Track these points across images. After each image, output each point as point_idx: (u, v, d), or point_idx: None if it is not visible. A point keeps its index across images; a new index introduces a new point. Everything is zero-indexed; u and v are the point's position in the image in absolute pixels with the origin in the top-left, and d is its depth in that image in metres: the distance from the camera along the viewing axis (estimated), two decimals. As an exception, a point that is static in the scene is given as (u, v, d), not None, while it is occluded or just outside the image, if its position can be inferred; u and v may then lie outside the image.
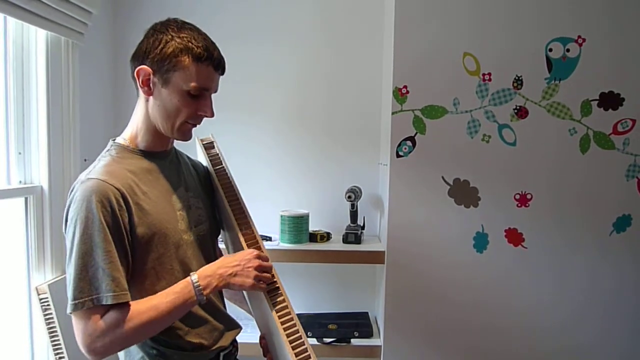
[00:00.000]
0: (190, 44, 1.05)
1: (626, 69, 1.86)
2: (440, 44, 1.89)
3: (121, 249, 1.00)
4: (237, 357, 1.29)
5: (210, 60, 1.07)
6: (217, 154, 1.31)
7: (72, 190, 1.02)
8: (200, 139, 1.34)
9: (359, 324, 2.11)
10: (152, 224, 1.05)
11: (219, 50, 1.10)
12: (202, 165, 1.35)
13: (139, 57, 1.07)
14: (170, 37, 1.05)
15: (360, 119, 2.27)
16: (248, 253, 1.10)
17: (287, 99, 2.28)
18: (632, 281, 1.92)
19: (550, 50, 1.87)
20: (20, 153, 1.67)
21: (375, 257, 2.01)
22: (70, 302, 0.96)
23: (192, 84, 1.05)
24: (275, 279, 1.13)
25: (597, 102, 1.88)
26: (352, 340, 2.04)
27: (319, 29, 2.26)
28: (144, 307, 1.00)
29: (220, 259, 1.11)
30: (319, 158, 2.29)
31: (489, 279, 1.95)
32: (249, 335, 2.07)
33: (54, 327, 1.61)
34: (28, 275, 1.68)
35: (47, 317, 1.61)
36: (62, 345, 1.61)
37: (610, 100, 1.87)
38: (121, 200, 1.00)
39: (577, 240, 1.92)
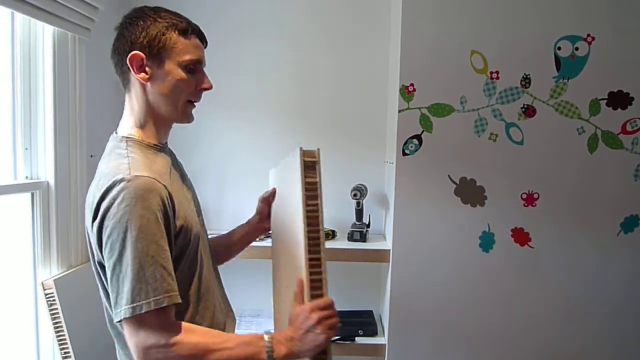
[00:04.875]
0: (172, 20, 1.07)
1: (636, 68, 1.84)
2: (448, 41, 1.88)
3: (170, 249, 0.99)
4: None
5: (195, 33, 1.10)
6: (316, 182, 1.05)
7: (110, 188, 0.95)
8: (303, 150, 1.08)
9: (364, 322, 2.11)
10: (184, 217, 1.05)
11: (197, 25, 1.12)
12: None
13: (124, 48, 1.06)
14: (150, 19, 1.06)
15: (367, 117, 2.26)
16: (302, 311, 1.02)
17: (293, 96, 2.27)
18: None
19: (559, 48, 1.85)
20: (26, 148, 1.67)
21: (380, 256, 2.00)
22: (127, 306, 0.91)
23: (187, 57, 1.07)
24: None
25: (605, 101, 1.86)
26: (356, 338, 2.03)
27: (325, 26, 2.25)
28: (213, 332, 1.01)
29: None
30: (324, 155, 2.23)
31: (495, 279, 1.94)
32: (253, 332, 2.08)
33: (60, 322, 1.62)
34: (34, 271, 1.68)
35: (53, 312, 1.62)
36: (68, 341, 1.62)
37: (619, 100, 1.85)
38: (168, 198, 0.99)
39: (584, 241, 1.91)
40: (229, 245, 1.39)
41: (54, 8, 1.58)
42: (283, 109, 2.28)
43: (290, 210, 1.08)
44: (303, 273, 1.00)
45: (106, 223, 0.94)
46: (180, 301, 0.96)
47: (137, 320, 0.92)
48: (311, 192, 1.02)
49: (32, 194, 1.67)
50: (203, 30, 1.14)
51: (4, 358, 1.62)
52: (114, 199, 0.94)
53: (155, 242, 0.93)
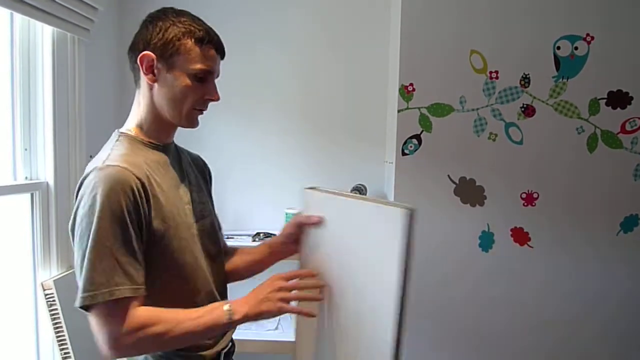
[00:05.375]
0: (191, 27, 1.05)
1: (635, 68, 1.84)
2: (447, 41, 1.88)
3: (139, 242, 0.97)
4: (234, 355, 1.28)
5: (212, 43, 1.08)
6: (411, 246, 1.00)
7: (85, 177, 0.97)
8: (407, 208, 0.96)
9: (363, 322, 2.11)
10: (167, 217, 1.03)
11: (218, 35, 1.10)
12: (200, 160, 1.31)
13: (139, 46, 1.06)
14: (170, 22, 1.05)
15: (366, 117, 2.26)
16: (268, 279, 1.06)
17: (294, 97, 2.28)
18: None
19: (558, 48, 1.85)
20: (26, 149, 1.67)
21: (380, 256, 2.00)
22: (80, 295, 0.91)
23: (198, 66, 1.05)
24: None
25: (605, 100, 1.86)
26: (356, 338, 2.03)
27: (325, 27, 2.25)
28: (172, 314, 0.98)
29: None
30: (324, 155, 2.28)
31: (494, 278, 1.94)
32: (247, 332, 2.08)
33: (60, 322, 1.62)
34: (34, 271, 1.68)
35: (53, 312, 1.62)
36: (67, 341, 1.62)
37: (618, 99, 1.85)
38: (141, 190, 0.97)
39: (583, 240, 1.91)
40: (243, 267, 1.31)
41: (53, 9, 1.58)
42: (283, 109, 2.28)
43: (373, 267, 1.06)
44: (389, 335, 1.04)
45: (78, 212, 0.96)
46: (135, 295, 0.94)
47: (98, 312, 0.92)
48: (406, 258, 0.99)
49: (32, 195, 1.67)
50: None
51: (4, 358, 1.62)
52: (85, 190, 0.95)
53: (113, 235, 0.93)
